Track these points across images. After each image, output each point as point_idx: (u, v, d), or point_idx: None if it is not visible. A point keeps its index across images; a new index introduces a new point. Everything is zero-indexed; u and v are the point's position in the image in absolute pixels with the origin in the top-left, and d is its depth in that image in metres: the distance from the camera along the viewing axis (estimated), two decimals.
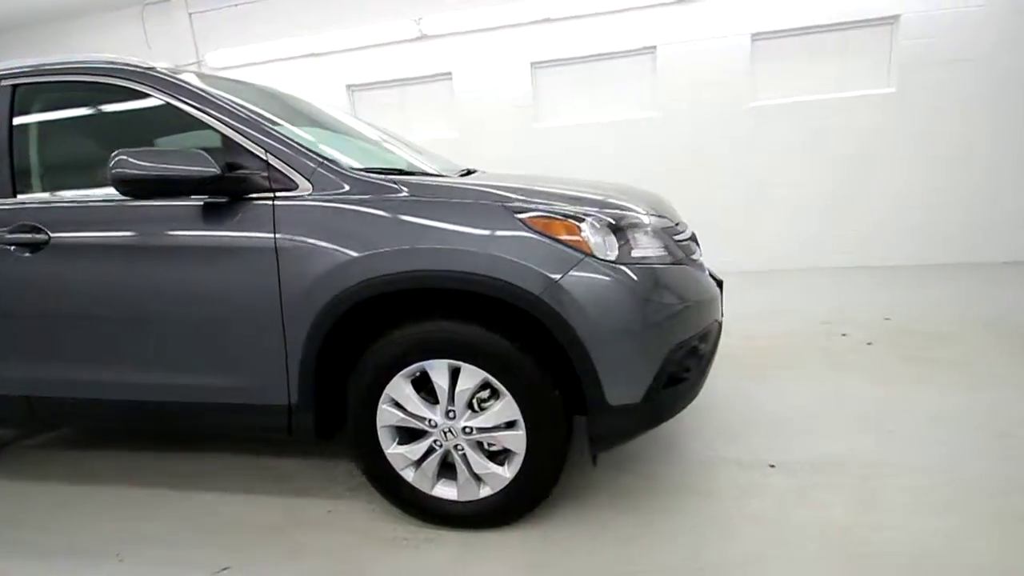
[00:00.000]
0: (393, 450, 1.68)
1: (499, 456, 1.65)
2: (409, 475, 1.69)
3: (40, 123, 1.94)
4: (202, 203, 1.67)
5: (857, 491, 1.75)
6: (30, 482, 2.20)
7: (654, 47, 5.07)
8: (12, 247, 1.80)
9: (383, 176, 1.67)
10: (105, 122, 1.95)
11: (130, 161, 1.52)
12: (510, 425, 1.58)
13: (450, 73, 5.49)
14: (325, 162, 1.65)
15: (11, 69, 1.90)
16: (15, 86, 1.89)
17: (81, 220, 1.77)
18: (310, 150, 1.67)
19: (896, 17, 4.60)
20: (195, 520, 1.85)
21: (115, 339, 1.75)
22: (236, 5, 5.61)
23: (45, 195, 1.90)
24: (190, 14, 5.79)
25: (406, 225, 1.53)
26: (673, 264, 1.63)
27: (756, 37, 4.88)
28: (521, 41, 5.26)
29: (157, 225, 1.69)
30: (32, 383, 1.89)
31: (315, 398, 1.66)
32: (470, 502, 1.67)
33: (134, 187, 1.57)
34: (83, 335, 1.78)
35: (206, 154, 1.56)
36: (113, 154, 1.53)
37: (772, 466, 1.93)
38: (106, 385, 1.80)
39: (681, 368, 1.61)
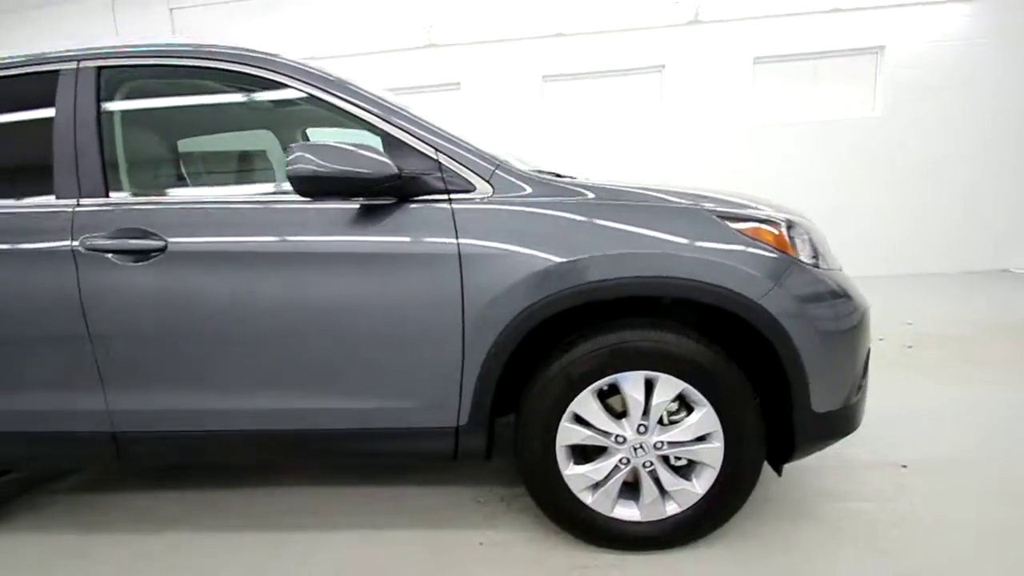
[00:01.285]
0: (571, 471, 1.57)
1: (684, 471, 1.59)
2: (588, 497, 1.58)
3: (139, 112, 1.70)
4: (358, 205, 1.50)
5: (1000, 490, 1.82)
6: (97, 534, 1.84)
7: (663, 66, 5.25)
8: (110, 254, 1.53)
9: (564, 179, 1.59)
10: (221, 113, 1.73)
11: (311, 158, 1.34)
12: (701, 438, 1.52)
13: (459, 83, 5.40)
14: (502, 163, 1.55)
15: (98, 50, 1.64)
16: (100, 68, 1.64)
17: (212, 223, 1.53)
18: (486, 150, 1.55)
19: (882, 47, 5.04)
20: (333, 568, 1.61)
21: (255, 361, 1.52)
22: (226, 2, 5.24)
23: (151, 194, 1.64)
24: (171, 9, 5.35)
25: (610, 230, 1.45)
26: (840, 269, 1.66)
27: (758, 60, 5.17)
28: (533, 54, 5.27)
29: (313, 229, 1.50)
30: (124, 416, 1.60)
31: (490, 419, 1.53)
32: (655, 522, 1.58)
33: (313, 186, 1.39)
34: (212, 358, 1.54)
35: (384, 153, 1.42)
36: (290, 149, 1.35)
37: (904, 466, 1.98)
38: (237, 414, 1.56)
39: (865, 374, 1.62)
